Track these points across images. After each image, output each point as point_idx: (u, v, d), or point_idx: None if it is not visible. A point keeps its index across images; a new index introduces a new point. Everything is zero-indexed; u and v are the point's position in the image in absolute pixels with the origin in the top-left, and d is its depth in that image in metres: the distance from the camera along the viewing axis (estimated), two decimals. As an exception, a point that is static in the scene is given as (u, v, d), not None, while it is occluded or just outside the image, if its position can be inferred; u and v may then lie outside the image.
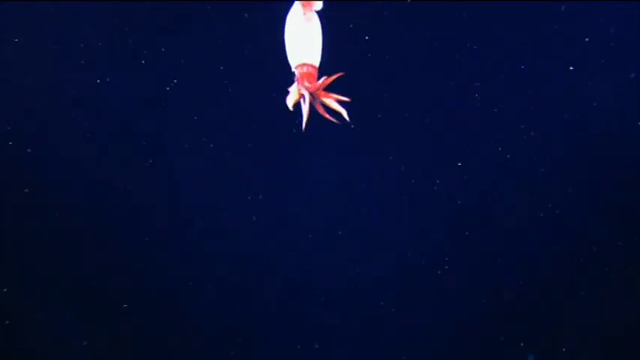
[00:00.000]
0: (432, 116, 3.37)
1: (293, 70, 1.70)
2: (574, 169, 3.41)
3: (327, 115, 1.65)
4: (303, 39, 1.72)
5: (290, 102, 1.67)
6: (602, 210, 3.44)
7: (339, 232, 3.56)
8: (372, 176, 3.45)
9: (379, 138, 3.37)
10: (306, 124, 1.62)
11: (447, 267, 3.55)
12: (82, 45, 3.32)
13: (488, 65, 3.31)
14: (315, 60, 1.70)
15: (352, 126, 1.95)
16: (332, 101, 1.64)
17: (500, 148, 3.39)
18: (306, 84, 1.66)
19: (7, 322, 3.50)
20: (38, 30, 3.29)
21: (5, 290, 3.49)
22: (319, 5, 1.73)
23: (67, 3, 3.24)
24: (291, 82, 1.69)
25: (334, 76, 1.64)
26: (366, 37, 3.09)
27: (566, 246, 3.49)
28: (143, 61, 3.30)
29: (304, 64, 1.70)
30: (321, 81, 1.63)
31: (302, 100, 1.66)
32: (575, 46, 3.27)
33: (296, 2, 1.71)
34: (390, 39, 3.17)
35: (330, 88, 1.68)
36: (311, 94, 1.64)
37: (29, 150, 3.43)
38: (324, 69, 1.70)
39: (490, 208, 3.52)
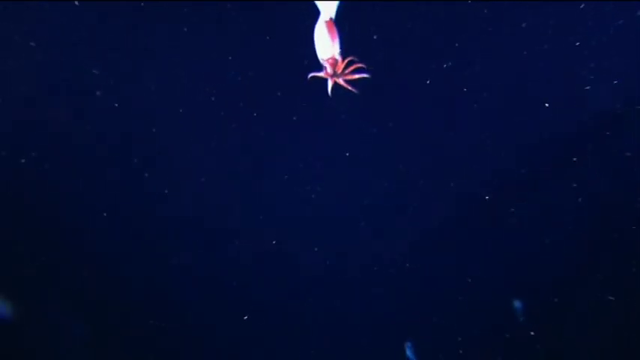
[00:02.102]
0: (436, 115, 3.37)
1: (321, 61, 2.55)
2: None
3: (350, 87, 2.49)
4: (326, 41, 2.56)
5: (314, 75, 2.51)
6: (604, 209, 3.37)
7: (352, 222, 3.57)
8: (381, 166, 3.47)
9: (389, 133, 3.39)
10: (332, 92, 2.47)
11: (443, 266, 3.53)
12: (84, 43, 3.33)
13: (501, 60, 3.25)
14: (336, 53, 2.54)
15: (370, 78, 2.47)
16: (351, 74, 2.48)
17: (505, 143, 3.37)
18: (330, 70, 2.50)
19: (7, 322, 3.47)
20: (37, 29, 3.29)
21: (5, 290, 3.46)
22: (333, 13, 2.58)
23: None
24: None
25: (347, 59, 2.48)
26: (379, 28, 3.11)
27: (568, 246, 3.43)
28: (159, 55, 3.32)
29: (328, 58, 2.54)
30: (339, 61, 2.47)
31: (329, 79, 2.50)
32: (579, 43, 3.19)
33: (320, 18, 2.57)
34: (400, 30, 3.18)
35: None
36: (335, 74, 2.48)
37: (27, 149, 3.41)
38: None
39: (492, 206, 3.45)
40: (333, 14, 2.55)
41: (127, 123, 3.44)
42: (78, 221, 3.55)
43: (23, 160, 3.40)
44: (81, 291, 3.58)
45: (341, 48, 2.51)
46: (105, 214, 3.52)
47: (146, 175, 3.50)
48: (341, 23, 2.54)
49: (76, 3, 3.20)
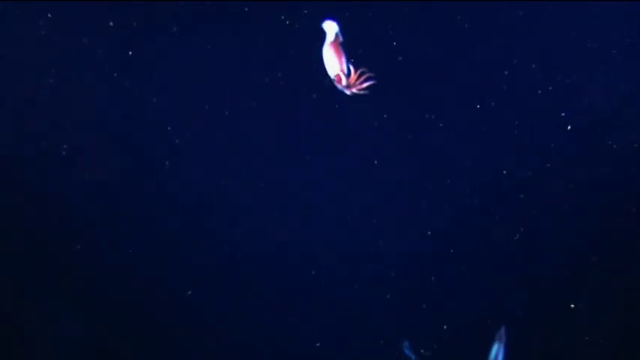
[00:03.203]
0: (441, 119, 3.46)
1: (332, 77, 2.93)
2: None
3: (360, 89, 2.88)
4: (334, 60, 2.95)
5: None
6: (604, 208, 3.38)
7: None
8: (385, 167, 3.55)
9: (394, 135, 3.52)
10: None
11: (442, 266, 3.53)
12: (84, 45, 3.37)
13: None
14: (343, 68, 2.92)
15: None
16: (360, 84, 2.88)
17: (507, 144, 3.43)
18: (345, 82, 2.88)
19: (6, 322, 3.45)
20: (38, 30, 3.31)
21: (5, 290, 3.43)
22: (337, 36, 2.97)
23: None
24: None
25: (358, 71, 2.87)
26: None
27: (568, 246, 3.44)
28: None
29: (337, 74, 2.93)
30: (352, 72, 2.87)
31: (344, 90, 2.89)
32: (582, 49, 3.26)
33: (327, 40, 2.96)
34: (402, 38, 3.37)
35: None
36: (348, 86, 2.87)
37: (30, 148, 3.40)
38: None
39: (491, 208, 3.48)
40: (337, 35, 2.93)
41: (141, 125, 3.50)
42: (84, 222, 3.54)
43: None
44: (82, 291, 3.54)
45: (348, 61, 2.88)
46: (110, 215, 3.53)
47: (156, 177, 3.53)
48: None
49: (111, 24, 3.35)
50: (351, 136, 3.57)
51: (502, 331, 3.31)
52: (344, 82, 2.87)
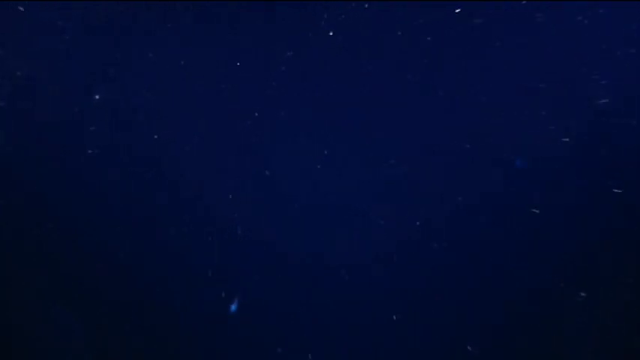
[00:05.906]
0: (441, 116, 3.45)
1: None
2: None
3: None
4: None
5: None
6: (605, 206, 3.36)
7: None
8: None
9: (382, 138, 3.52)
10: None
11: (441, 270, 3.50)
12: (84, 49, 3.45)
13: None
14: None
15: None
16: None
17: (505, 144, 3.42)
18: None
19: (7, 321, 3.46)
20: (36, 33, 3.39)
21: (5, 290, 3.45)
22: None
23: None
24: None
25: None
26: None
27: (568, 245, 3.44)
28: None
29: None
30: None
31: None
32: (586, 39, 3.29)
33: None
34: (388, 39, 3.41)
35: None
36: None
37: (30, 151, 3.46)
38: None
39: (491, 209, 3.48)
40: None
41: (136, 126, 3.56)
42: (80, 222, 3.58)
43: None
44: (81, 290, 3.57)
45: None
46: (105, 215, 3.58)
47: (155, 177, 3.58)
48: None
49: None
50: (352, 139, 3.56)
51: None
52: None
